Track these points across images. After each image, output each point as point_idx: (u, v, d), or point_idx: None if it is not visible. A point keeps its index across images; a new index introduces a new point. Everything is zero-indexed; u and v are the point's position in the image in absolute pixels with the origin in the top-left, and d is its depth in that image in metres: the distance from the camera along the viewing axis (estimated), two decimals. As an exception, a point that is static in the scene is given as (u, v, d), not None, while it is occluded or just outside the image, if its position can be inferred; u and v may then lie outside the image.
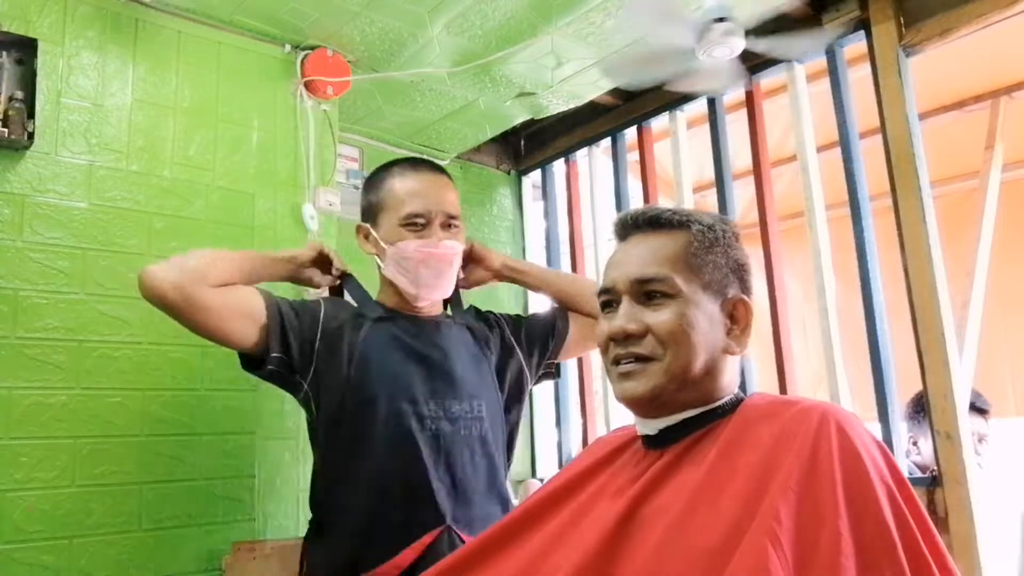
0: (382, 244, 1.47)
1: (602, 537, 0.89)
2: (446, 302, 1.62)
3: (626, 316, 0.98)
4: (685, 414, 0.98)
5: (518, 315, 1.75)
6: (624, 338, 0.97)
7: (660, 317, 0.96)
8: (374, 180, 1.53)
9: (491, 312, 1.72)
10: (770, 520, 0.79)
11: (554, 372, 1.75)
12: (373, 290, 1.60)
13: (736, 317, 1.01)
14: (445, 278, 1.48)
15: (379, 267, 1.53)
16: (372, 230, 1.50)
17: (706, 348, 0.97)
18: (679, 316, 0.96)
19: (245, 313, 1.40)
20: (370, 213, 1.52)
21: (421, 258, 1.43)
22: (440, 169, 1.53)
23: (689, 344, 0.95)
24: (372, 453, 1.39)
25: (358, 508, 1.40)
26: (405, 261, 1.44)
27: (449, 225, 1.47)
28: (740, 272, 1.02)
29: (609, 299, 1.03)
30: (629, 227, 1.05)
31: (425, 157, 1.55)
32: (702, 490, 0.87)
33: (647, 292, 0.98)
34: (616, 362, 1.00)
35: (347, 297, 1.59)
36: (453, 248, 1.46)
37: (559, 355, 1.69)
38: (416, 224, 1.43)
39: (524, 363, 1.63)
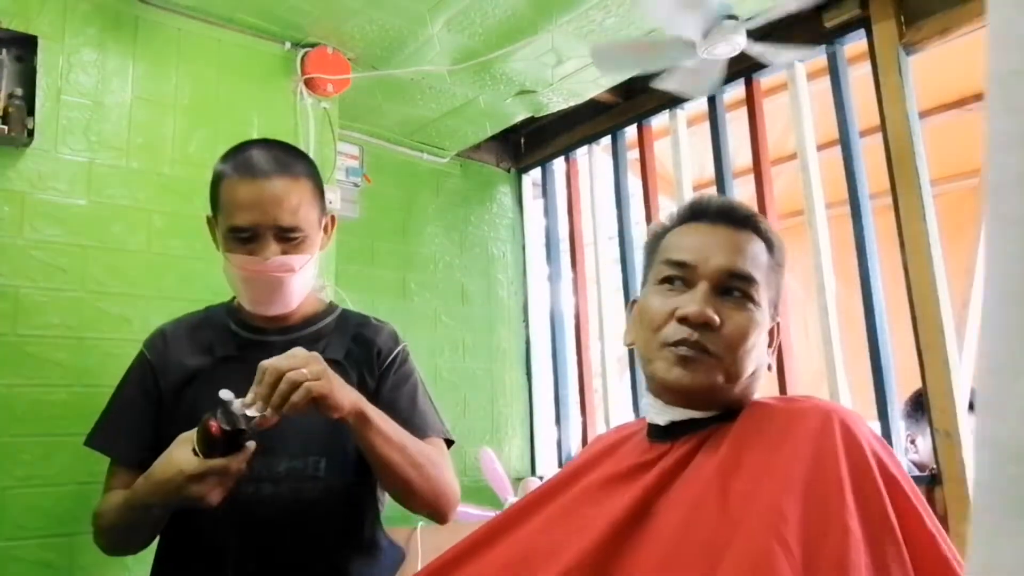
0: (219, 247, 1.31)
1: (611, 527, 0.88)
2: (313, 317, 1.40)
3: (708, 303, 0.93)
4: (708, 413, 0.98)
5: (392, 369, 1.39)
6: (702, 324, 0.92)
7: (738, 318, 0.93)
8: (217, 165, 1.31)
9: (379, 348, 1.39)
10: (775, 518, 0.79)
11: None
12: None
13: (771, 335, 1.02)
14: (281, 293, 1.28)
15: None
16: (215, 225, 1.31)
17: (756, 360, 0.96)
18: (752, 322, 0.94)
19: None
20: (212, 204, 1.31)
21: (248, 276, 1.26)
22: (282, 167, 1.26)
23: (750, 352, 0.94)
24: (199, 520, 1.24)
25: None
26: (231, 276, 1.29)
27: (286, 239, 1.26)
28: (780, 296, 1.04)
29: (678, 275, 0.97)
30: (716, 215, 1.00)
31: (277, 145, 1.33)
32: (709, 487, 0.87)
33: (729, 287, 0.94)
34: (677, 344, 0.94)
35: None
36: (285, 264, 1.25)
37: None
38: (242, 238, 1.25)
39: None
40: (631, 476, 0.95)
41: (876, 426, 2.00)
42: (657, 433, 1.01)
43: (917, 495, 0.85)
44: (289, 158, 1.30)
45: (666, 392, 0.98)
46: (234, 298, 1.39)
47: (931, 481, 1.82)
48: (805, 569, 0.76)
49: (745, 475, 0.86)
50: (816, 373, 2.15)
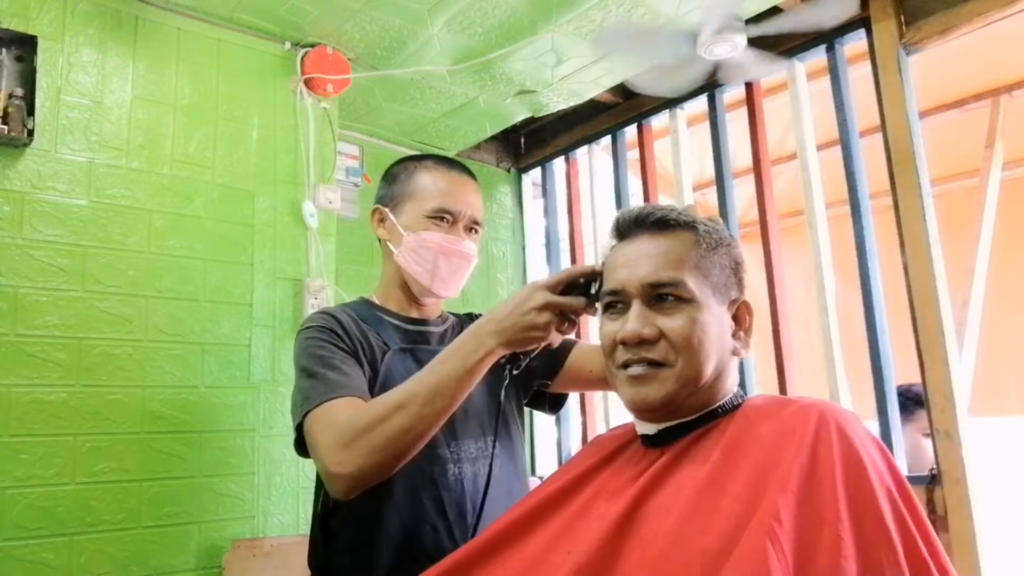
0: (400, 230, 1.42)
1: (603, 536, 0.89)
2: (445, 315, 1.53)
3: (640, 320, 0.95)
4: (690, 417, 0.98)
5: None
6: (637, 343, 0.95)
7: (674, 322, 0.94)
8: (401, 169, 1.48)
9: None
10: (770, 520, 0.79)
11: (544, 402, 1.54)
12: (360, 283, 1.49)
13: (739, 319, 1.01)
14: (460, 276, 1.43)
15: (390, 256, 1.45)
16: (390, 215, 1.45)
17: (717, 351, 0.96)
18: (693, 321, 0.94)
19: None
20: (391, 199, 1.46)
21: (442, 251, 1.39)
22: (472, 174, 1.49)
23: (702, 349, 0.94)
24: (390, 504, 1.26)
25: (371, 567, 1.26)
26: (425, 251, 1.39)
27: (472, 229, 1.45)
28: (739, 272, 1.02)
29: (617, 300, 1.00)
30: (633, 226, 1.02)
31: (456, 159, 1.50)
32: (704, 490, 0.87)
33: (660, 295, 0.96)
34: (625, 366, 0.98)
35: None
36: (473, 250, 1.44)
37: (554, 380, 1.50)
38: (443, 219, 1.40)
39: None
40: (623, 488, 0.96)
41: (874, 426, 2.00)
42: (648, 440, 1.01)
43: (911, 498, 0.85)
44: (468, 168, 1.49)
45: (635, 411, 1.00)
46: (363, 298, 1.47)
47: (931, 481, 1.82)
48: (796, 573, 0.76)
49: (741, 477, 0.86)
50: (816, 373, 2.15)
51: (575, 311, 1.14)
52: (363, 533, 1.26)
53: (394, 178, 1.48)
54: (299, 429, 1.23)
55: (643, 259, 0.98)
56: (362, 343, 1.33)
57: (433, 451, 1.27)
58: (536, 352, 1.20)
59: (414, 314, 1.45)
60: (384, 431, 1.12)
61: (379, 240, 1.48)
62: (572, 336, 1.24)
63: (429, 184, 1.42)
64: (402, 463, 1.16)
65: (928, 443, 2.09)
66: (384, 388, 1.25)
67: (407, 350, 1.37)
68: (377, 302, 1.46)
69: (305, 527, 1.92)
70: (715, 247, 1.00)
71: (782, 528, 0.78)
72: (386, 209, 1.45)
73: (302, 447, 1.24)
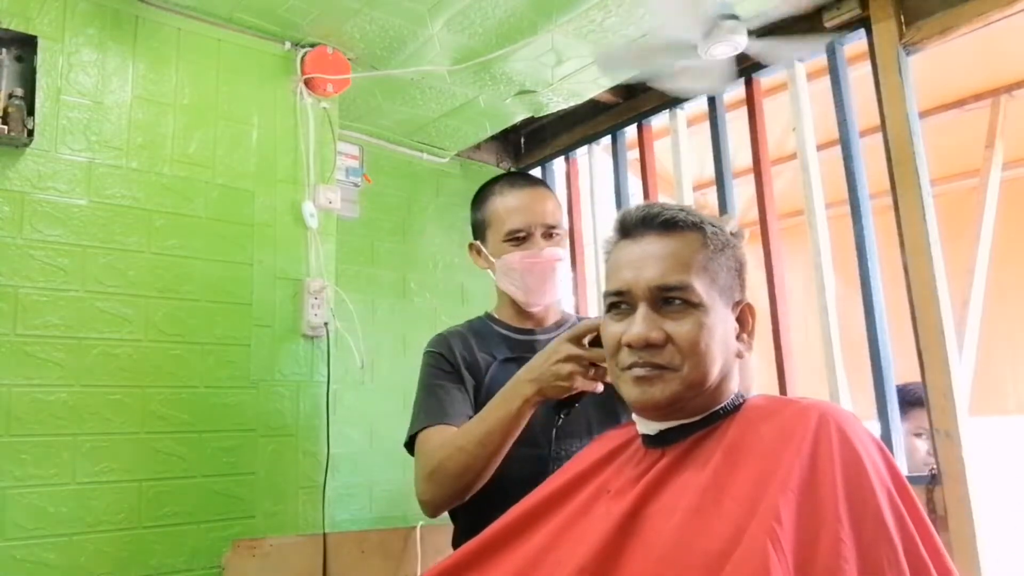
0: (491, 259, 1.58)
1: (605, 537, 0.89)
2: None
3: (646, 323, 0.94)
4: (692, 419, 0.98)
5: None
6: (644, 346, 0.94)
7: (682, 327, 0.93)
8: (479, 199, 1.63)
9: None
10: (770, 520, 0.79)
11: None
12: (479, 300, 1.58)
13: (743, 321, 1.00)
14: (550, 282, 1.55)
15: (493, 279, 1.62)
16: (482, 247, 1.61)
17: (722, 355, 0.96)
18: (700, 326, 0.93)
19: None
20: (478, 230, 1.63)
21: (525, 267, 1.52)
22: (537, 181, 1.63)
23: (709, 354, 0.94)
24: (499, 503, 1.33)
25: None
26: (512, 272, 1.54)
27: (550, 235, 1.55)
28: (742, 273, 1.02)
29: (621, 301, 0.99)
30: (639, 225, 1.00)
31: (522, 172, 1.58)
32: (706, 492, 0.87)
33: (667, 298, 0.95)
34: (629, 368, 0.97)
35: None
36: (554, 254, 1.54)
37: None
38: (517, 239, 1.53)
39: None
40: (628, 487, 0.96)
41: (875, 426, 2.00)
42: (650, 441, 1.01)
43: (912, 498, 0.85)
44: (535, 178, 1.67)
45: (638, 411, 1.00)
46: (486, 313, 1.64)
47: (931, 481, 1.82)
48: (796, 574, 0.76)
49: (742, 479, 0.86)
50: (816, 373, 2.15)
51: (600, 360, 1.21)
52: (476, 525, 1.34)
53: (475, 208, 1.64)
54: (410, 439, 1.45)
55: (650, 260, 0.96)
56: (467, 359, 1.51)
57: (531, 451, 1.37)
58: (580, 398, 1.30)
59: (527, 324, 1.59)
60: (450, 469, 1.32)
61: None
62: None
63: (500, 209, 1.56)
64: (471, 491, 1.33)
65: (920, 443, 2.10)
66: (488, 395, 1.40)
67: (512, 359, 1.50)
68: (496, 316, 1.62)
69: (304, 527, 1.93)
70: (722, 248, 0.98)
71: (782, 529, 0.78)
72: (478, 243, 1.62)
73: (411, 449, 1.46)
